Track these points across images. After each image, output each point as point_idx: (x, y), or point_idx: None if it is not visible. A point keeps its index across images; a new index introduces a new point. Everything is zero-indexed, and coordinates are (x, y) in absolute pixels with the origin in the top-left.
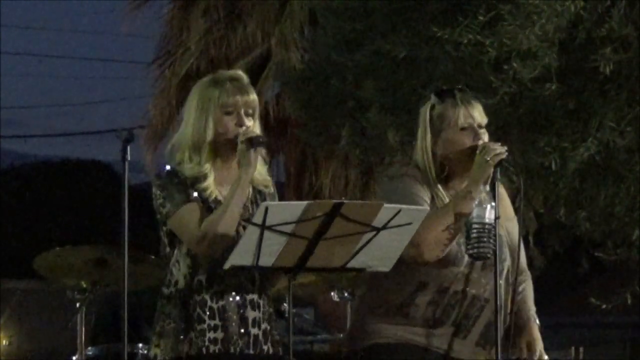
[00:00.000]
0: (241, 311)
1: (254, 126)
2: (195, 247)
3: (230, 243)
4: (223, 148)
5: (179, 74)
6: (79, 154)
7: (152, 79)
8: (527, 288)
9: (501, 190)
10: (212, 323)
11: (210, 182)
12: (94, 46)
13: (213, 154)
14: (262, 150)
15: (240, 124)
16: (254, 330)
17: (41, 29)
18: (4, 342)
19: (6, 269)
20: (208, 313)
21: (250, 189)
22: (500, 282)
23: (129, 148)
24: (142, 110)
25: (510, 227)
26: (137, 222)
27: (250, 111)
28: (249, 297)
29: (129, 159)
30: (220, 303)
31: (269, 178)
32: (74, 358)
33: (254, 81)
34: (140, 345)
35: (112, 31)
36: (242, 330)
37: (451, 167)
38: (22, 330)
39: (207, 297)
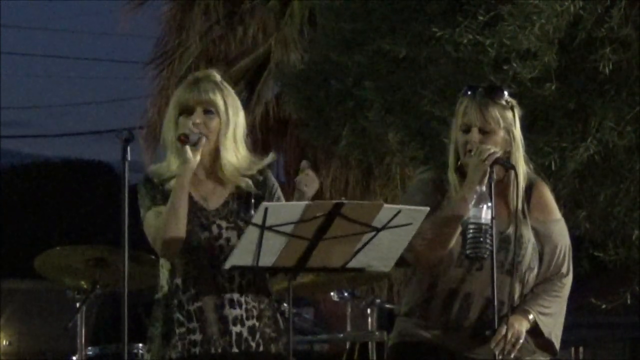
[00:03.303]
0: (219, 311)
1: (211, 123)
2: (155, 249)
3: (182, 242)
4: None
5: (178, 74)
6: (79, 154)
7: (151, 79)
8: (549, 291)
9: (543, 191)
10: (191, 325)
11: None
12: (94, 46)
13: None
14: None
15: (192, 122)
16: (235, 329)
17: (41, 29)
18: (4, 342)
19: (6, 269)
20: (186, 316)
21: (232, 187)
22: (515, 284)
23: (129, 148)
24: (142, 111)
25: (552, 228)
26: (137, 222)
27: (212, 109)
28: (228, 296)
29: (129, 159)
30: (197, 305)
31: (247, 177)
32: (74, 358)
33: (254, 81)
34: (141, 345)
35: (112, 31)
36: (222, 330)
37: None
38: (22, 330)
39: (184, 299)
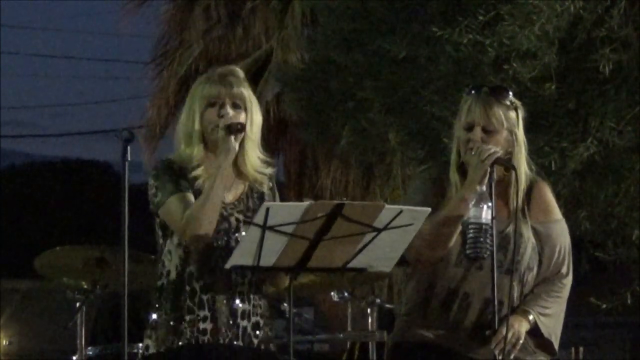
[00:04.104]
0: (230, 303)
1: (240, 117)
2: (182, 236)
3: (212, 232)
4: (211, 139)
5: (178, 74)
6: (79, 154)
7: (151, 79)
8: (550, 291)
9: (543, 190)
10: (202, 314)
11: (201, 171)
12: (94, 46)
13: (204, 145)
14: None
15: (220, 114)
16: (242, 323)
17: (41, 29)
18: (4, 342)
19: (6, 269)
20: (198, 304)
21: (247, 184)
22: (514, 284)
23: (129, 148)
24: (142, 111)
25: (552, 228)
26: (137, 222)
27: (239, 102)
28: (239, 289)
29: (129, 159)
30: (210, 294)
31: (264, 175)
32: (74, 358)
33: (255, 81)
34: (140, 345)
35: (112, 31)
36: (231, 322)
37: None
38: (22, 330)
39: (197, 288)
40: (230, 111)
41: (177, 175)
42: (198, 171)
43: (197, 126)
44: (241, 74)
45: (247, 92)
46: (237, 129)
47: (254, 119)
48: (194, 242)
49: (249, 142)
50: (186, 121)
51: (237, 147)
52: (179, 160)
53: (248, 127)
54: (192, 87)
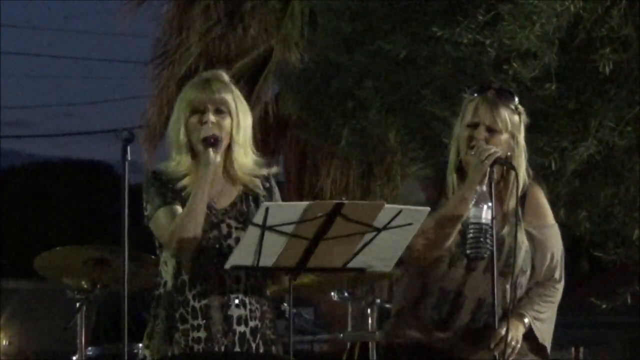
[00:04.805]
0: (224, 310)
1: (224, 123)
2: (169, 248)
3: (198, 242)
4: (197, 147)
5: (178, 74)
6: (79, 154)
7: (150, 79)
8: (543, 296)
9: (537, 195)
10: (195, 323)
11: (188, 181)
12: (94, 46)
13: (191, 153)
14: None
15: (202, 121)
16: (239, 328)
17: (41, 29)
18: (4, 342)
19: (6, 269)
20: (191, 313)
21: (241, 188)
22: (507, 285)
23: (129, 148)
24: (142, 111)
25: (546, 233)
26: (137, 222)
27: (223, 108)
28: (233, 295)
29: (129, 159)
30: (203, 302)
31: (258, 177)
32: (74, 358)
33: (254, 81)
34: (141, 345)
35: (112, 31)
36: (226, 329)
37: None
38: (22, 330)
39: (189, 297)
40: (212, 118)
41: (165, 188)
42: (185, 181)
43: (182, 134)
44: (226, 77)
45: (230, 96)
46: (211, 142)
47: (241, 123)
48: (181, 254)
49: (237, 146)
50: (173, 128)
51: (217, 159)
52: (166, 170)
53: (234, 132)
54: (181, 92)
